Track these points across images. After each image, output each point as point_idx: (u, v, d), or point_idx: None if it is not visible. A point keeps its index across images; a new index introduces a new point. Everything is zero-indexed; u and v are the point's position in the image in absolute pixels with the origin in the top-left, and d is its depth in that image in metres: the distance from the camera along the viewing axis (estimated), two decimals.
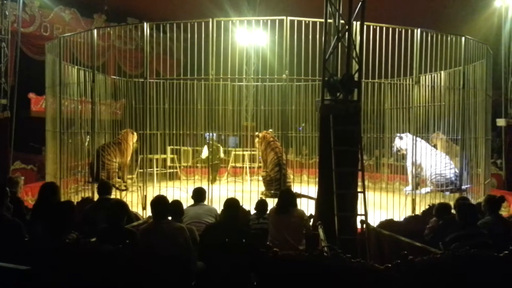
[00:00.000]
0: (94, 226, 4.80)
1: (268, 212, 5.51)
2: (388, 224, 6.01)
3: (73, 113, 8.79)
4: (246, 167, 11.68)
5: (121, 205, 4.60)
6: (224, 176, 11.47)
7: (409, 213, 7.35)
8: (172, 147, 10.76)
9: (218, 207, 5.56)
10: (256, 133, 10.32)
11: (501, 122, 11.85)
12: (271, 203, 5.93)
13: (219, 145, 11.28)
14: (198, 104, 10.31)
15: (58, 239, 3.83)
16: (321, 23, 6.34)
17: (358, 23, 5.90)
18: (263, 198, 5.67)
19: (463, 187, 8.32)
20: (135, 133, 9.59)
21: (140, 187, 8.07)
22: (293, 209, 5.40)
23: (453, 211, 5.33)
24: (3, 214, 4.32)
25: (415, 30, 7.63)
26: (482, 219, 4.94)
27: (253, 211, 5.77)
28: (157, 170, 9.86)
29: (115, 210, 4.43)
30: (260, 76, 9.52)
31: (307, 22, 7.28)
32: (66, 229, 4.00)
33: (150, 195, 6.90)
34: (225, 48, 7.70)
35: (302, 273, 3.49)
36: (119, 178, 9.73)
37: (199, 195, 5.74)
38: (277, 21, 7.42)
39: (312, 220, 5.58)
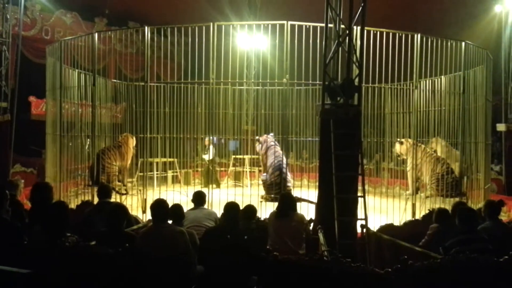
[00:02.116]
0: (94, 229, 4.79)
1: (257, 218, 5.45)
2: (388, 229, 6.01)
3: (73, 116, 8.80)
4: (246, 171, 11.70)
5: (121, 209, 4.59)
6: (224, 180, 11.46)
7: (409, 217, 7.34)
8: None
9: (218, 210, 5.55)
10: (257, 137, 10.32)
11: (501, 127, 11.86)
12: (271, 207, 5.93)
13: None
14: (199, 108, 10.31)
15: (58, 242, 3.83)
16: (321, 27, 6.35)
17: (359, 28, 5.91)
18: (252, 205, 5.47)
19: None
20: (134, 138, 9.61)
21: (140, 190, 8.07)
22: (293, 213, 5.40)
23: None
24: (2, 217, 4.32)
25: (415, 35, 7.65)
26: (482, 224, 4.94)
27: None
28: (157, 174, 9.86)
29: (115, 214, 4.42)
30: (260, 80, 9.56)
31: (307, 26, 7.29)
32: (63, 230, 4.01)
33: (150, 199, 6.90)
34: (225, 52, 7.71)
35: (302, 277, 3.49)
36: (119, 181, 9.74)
37: (199, 198, 5.73)
38: (277, 25, 7.44)
39: (312, 224, 5.57)
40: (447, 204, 7.04)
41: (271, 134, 10.33)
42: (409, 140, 8.96)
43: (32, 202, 5.42)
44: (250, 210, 5.19)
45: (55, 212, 4.17)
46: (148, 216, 6.22)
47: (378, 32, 7.44)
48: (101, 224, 4.63)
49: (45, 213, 4.24)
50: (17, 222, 4.41)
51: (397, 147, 9.59)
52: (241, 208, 4.93)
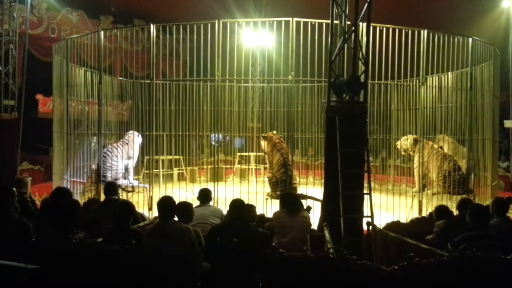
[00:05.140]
0: (101, 227, 4.82)
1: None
2: (394, 226, 5.99)
3: (80, 114, 8.83)
4: (252, 169, 11.70)
5: (128, 206, 4.62)
6: (230, 177, 11.48)
7: (415, 214, 7.32)
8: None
9: (224, 208, 5.56)
10: (262, 135, 10.32)
11: (508, 123, 11.79)
12: (277, 204, 5.93)
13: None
14: (204, 105, 10.32)
15: (65, 239, 3.85)
16: (327, 24, 6.33)
17: (365, 24, 5.89)
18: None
19: None
20: (140, 135, 9.62)
21: (146, 188, 8.09)
22: (299, 210, 5.40)
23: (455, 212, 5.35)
24: (11, 214, 4.35)
25: (422, 31, 7.60)
26: (490, 221, 4.91)
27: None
28: (163, 171, 9.89)
29: (121, 211, 4.44)
30: (266, 77, 9.53)
31: (313, 23, 7.27)
32: (72, 228, 4.03)
33: (156, 196, 6.92)
34: (231, 49, 7.70)
35: (307, 274, 3.48)
36: (125, 179, 9.76)
37: (205, 195, 5.74)
38: (283, 22, 7.41)
39: (318, 220, 5.57)
40: (454, 202, 7.00)
41: (274, 131, 10.33)
42: (416, 136, 8.93)
43: (49, 201, 5.43)
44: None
45: (68, 210, 4.18)
46: (154, 213, 6.25)
47: (384, 28, 7.41)
48: (108, 221, 4.65)
49: (56, 211, 4.26)
50: (26, 219, 4.44)
51: (403, 143, 9.53)
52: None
